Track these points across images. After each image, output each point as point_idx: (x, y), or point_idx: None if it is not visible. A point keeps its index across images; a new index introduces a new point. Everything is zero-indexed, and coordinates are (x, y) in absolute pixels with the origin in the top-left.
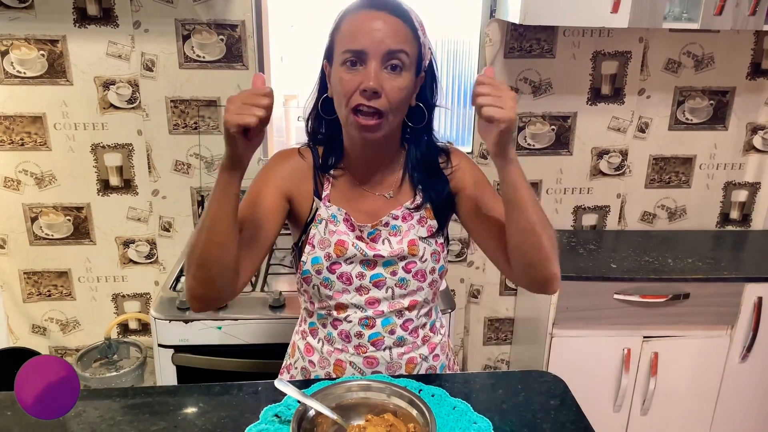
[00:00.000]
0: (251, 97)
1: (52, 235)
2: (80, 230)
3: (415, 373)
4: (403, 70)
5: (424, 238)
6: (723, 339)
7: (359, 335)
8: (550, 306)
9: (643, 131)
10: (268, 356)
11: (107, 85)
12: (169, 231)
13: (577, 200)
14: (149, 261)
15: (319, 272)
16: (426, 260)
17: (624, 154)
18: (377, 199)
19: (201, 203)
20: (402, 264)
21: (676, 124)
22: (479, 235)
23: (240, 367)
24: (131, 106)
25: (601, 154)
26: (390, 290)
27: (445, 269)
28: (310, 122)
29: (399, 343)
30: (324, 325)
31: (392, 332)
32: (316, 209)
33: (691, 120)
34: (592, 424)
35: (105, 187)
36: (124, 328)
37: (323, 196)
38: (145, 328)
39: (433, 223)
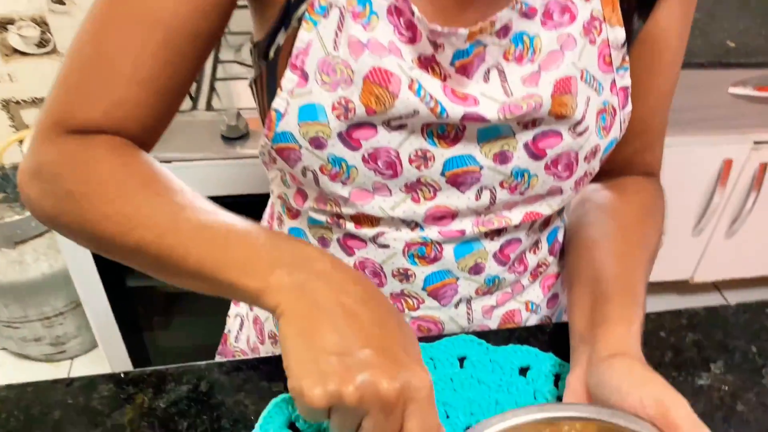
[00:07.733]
0: None
1: None
2: None
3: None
4: None
5: (592, 76)
6: None
7: (404, 275)
8: None
9: None
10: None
11: (4, 24)
12: (65, 2)
13: None
14: (43, 52)
15: (319, 145)
16: (586, 129)
17: None
18: None
19: None
20: (529, 135)
21: None
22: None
23: None
24: (44, 50)
25: None
26: (489, 194)
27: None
28: None
29: (487, 289)
30: (323, 242)
31: (477, 270)
32: None
33: None
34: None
35: None
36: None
37: None
38: None
39: (621, 35)
